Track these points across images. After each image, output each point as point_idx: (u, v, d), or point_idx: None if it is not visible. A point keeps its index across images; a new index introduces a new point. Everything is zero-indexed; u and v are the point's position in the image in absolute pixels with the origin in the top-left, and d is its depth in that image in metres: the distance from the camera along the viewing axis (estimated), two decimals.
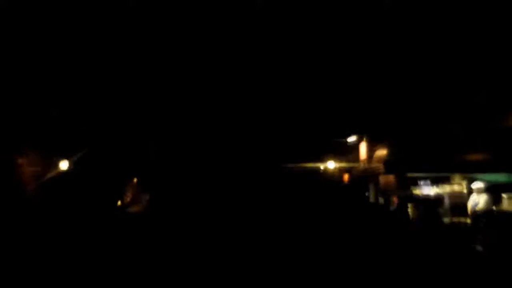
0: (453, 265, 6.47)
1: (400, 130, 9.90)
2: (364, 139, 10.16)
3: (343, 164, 10.90)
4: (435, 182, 9.97)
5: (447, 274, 6.09)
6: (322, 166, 11.56)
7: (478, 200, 9.59)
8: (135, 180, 10.72)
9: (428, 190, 9.93)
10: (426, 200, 9.41)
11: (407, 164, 9.33)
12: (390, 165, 9.30)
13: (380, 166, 9.46)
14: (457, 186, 9.74)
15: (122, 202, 10.60)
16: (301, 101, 12.03)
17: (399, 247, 7.62)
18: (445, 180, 10.00)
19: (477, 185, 9.60)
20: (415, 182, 9.97)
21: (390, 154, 9.40)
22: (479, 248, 7.21)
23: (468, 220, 8.99)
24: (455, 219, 9.33)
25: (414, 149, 9.50)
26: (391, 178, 9.30)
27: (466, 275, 6.06)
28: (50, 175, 11.08)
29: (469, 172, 10.02)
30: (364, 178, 9.80)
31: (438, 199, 9.31)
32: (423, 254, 6.94)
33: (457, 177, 10.43)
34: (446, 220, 9.36)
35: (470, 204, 9.70)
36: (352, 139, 10.26)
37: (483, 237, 7.48)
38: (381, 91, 11.16)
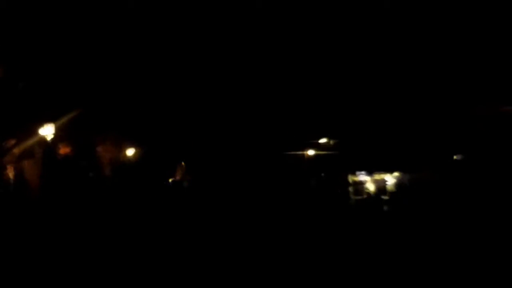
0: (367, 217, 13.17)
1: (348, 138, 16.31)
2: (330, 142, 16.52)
3: None
4: (370, 172, 16.67)
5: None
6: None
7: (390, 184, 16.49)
8: (183, 163, 16.11)
9: (363, 177, 16.57)
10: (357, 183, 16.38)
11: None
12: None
13: None
14: (381, 175, 16.56)
15: (173, 178, 15.98)
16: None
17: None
18: (375, 171, 16.74)
19: (393, 175, 16.46)
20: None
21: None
22: (385, 208, 14.02)
23: (387, 195, 15.87)
24: (380, 195, 16.10)
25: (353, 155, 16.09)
26: None
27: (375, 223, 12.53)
28: (121, 159, 16.06)
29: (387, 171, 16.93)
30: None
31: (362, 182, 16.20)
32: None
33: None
34: (373, 195, 16.16)
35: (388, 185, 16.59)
36: (323, 140, 16.57)
37: (390, 203, 14.37)
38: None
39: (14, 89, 13.43)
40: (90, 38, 14.65)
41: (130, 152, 15.93)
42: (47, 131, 12.69)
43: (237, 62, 15.92)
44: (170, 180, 15.86)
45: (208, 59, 15.89)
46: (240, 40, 15.29)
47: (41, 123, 12.96)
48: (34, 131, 12.89)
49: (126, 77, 15.91)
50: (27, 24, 13.30)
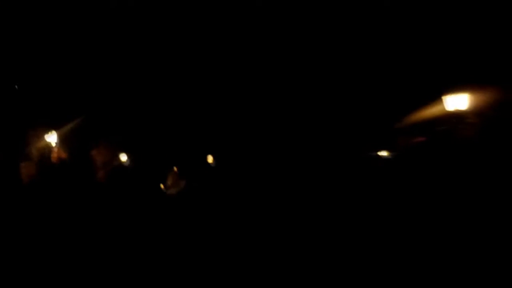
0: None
1: None
2: None
3: None
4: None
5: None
6: None
7: None
8: (175, 168, 16.43)
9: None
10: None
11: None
12: None
13: None
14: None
15: (164, 185, 16.30)
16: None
17: None
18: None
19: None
20: None
21: None
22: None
23: None
24: None
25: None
26: None
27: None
28: (113, 164, 16.34)
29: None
30: None
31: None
32: None
33: None
34: None
35: None
36: None
37: None
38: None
39: (12, 92, 13.59)
40: (87, 43, 14.92)
41: (123, 157, 16.23)
42: (52, 138, 12.98)
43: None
44: (161, 186, 16.21)
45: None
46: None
47: (42, 129, 13.18)
48: (36, 137, 13.10)
49: (118, 81, 16.23)
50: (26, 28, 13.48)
